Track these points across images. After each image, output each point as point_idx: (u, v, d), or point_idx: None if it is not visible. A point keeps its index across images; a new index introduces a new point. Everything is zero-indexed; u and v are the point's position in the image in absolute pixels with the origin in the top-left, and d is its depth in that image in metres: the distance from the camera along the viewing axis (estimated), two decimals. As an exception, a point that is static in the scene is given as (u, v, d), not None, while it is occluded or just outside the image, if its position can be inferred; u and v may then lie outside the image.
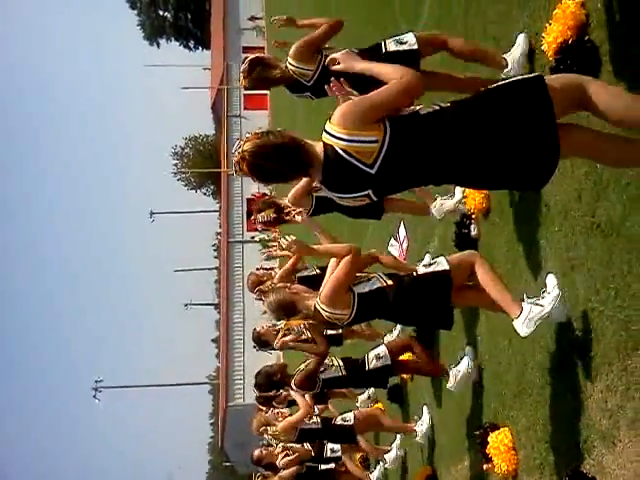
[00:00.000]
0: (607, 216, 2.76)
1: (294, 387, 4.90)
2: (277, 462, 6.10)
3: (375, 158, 2.17)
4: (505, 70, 3.49)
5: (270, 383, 5.08)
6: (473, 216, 4.30)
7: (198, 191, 45.48)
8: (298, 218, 4.42)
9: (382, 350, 4.71)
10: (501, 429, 3.70)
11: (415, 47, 3.38)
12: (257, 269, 5.74)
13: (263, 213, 4.75)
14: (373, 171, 2.19)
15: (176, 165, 44.01)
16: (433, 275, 3.12)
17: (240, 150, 2.25)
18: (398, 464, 6.14)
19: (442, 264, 3.15)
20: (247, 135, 2.30)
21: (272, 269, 6.00)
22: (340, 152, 2.18)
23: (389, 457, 6.09)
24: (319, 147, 2.25)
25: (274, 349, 5.59)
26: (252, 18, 31.12)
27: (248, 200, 27.70)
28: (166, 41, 45.68)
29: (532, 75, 2.27)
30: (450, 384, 4.28)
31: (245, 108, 29.23)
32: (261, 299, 4.99)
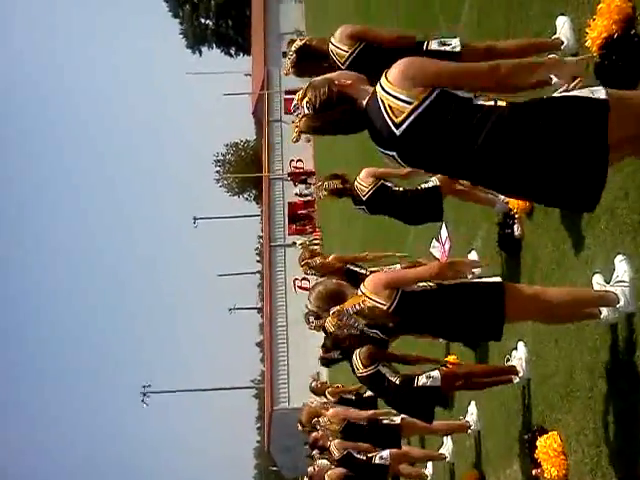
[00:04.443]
0: (656, 214, 2.69)
1: (357, 358, 4.81)
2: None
3: (403, 119, 2.14)
4: (563, 46, 3.46)
5: (336, 346, 5.07)
6: (516, 216, 4.24)
7: (240, 196, 46.06)
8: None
9: (435, 373, 4.52)
10: (550, 433, 3.63)
11: (457, 50, 3.36)
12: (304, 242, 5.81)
13: (331, 181, 4.71)
14: (398, 132, 2.16)
15: (218, 172, 44.71)
16: (484, 283, 2.96)
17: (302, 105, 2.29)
18: (447, 467, 6.08)
19: (495, 279, 2.99)
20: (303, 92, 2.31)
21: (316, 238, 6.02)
22: (378, 100, 2.18)
23: (447, 448, 5.99)
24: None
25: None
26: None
27: (289, 204, 27.89)
28: (208, 48, 46.43)
29: (598, 98, 2.11)
30: (521, 373, 4.13)
31: (286, 112, 29.42)
32: (307, 273, 5.10)
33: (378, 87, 2.19)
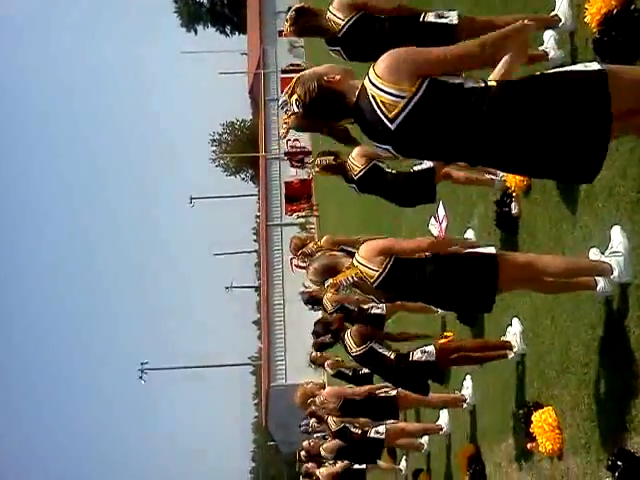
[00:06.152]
0: (654, 191, 2.70)
1: (349, 338, 4.93)
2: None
3: (396, 114, 2.11)
4: (560, 24, 3.46)
5: (327, 330, 5.37)
6: (514, 194, 4.24)
7: (237, 176, 45.82)
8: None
9: (430, 347, 4.57)
10: (545, 408, 3.68)
11: (455, 22, 3.30)
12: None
13: (324, 157, 4.61)
14: (392, 127, 2.13)
15: (214, 151, 44.42)
16: (478, 254, 3.02)
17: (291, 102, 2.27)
18: (443, 441, 6.16)
19: (489, 249, 3.05)
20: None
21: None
22: (369, 96, 2.14)
23: (443, 420, 6.06)
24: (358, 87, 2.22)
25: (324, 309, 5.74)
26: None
27: (286, 184, 27.79)
28: (203, 27, 45.83)
29: (593, 69, 2.10)
30: (516, 348, 4.18)
31: (282, 91, 29.16)
32: (304, 262, 5.04)
33: (367, 82, 2.15)
